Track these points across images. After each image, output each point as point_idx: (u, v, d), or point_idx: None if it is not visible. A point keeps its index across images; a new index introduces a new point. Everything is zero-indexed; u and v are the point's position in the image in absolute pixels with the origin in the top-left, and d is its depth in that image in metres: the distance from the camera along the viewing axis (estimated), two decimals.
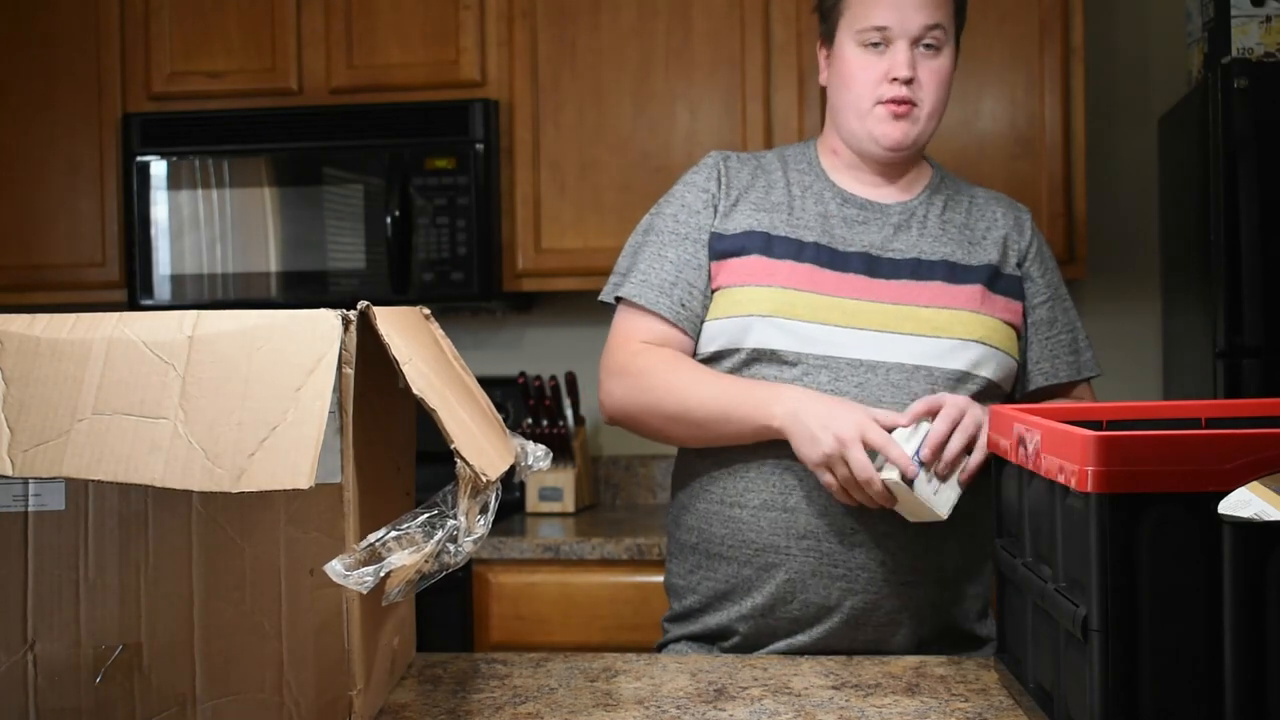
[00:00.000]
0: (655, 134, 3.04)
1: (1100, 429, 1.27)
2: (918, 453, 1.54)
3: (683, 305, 1.73)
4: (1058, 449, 1.16)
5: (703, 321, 1.73)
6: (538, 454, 1.40)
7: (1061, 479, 1.14)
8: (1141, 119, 3.27)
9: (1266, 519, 1.00)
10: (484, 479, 1.16)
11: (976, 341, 1.68)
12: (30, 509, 1.20)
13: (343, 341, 1.14)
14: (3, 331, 1.12)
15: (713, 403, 1.65)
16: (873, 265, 1.71)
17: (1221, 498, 1.04)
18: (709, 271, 1.74)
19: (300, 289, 3.08)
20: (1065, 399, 1.82)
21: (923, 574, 1.66)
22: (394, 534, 1.12)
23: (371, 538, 1.12)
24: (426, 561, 1.13)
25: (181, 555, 1.19)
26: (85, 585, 1.20)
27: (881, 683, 1.45)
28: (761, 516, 1.66)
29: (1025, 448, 1.28)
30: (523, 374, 3.17)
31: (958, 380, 1.66)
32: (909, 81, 1.69)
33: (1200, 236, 2.74)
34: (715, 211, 1.75)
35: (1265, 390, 2.55)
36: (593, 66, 3.06)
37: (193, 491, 1.15)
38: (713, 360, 1.72)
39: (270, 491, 1.06)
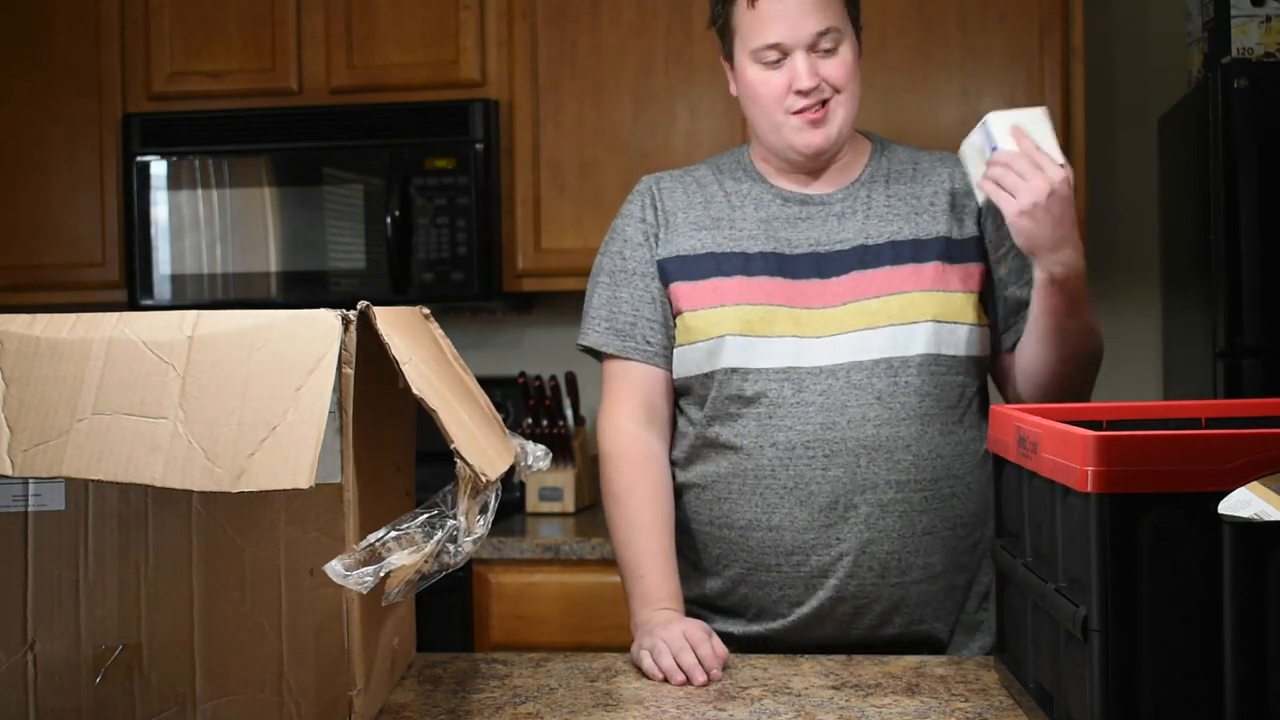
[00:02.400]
0: (655, 134, 3.04)
1: (1100, 429, 1.27)
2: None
3: (648, 343, 1.76)
4: (1058, 449, 1.16)
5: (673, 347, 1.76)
6: (537, 454, 1.41)
7: (1062, 479, 1.14)
8: (1141, 119, 3.26)
9: (1266, 519, 1.00)
10: (484, 479, 1.16)
11: (931, 321, 1.67)
12: (30, 509, 1.20)
13: (342, 341, 1.14)
14: (3, 331, 1.12)
15: (621, 564, 1.71)
16: (821, 264, 1.70)
17: (1221, 498, 1.04)
18: (667, 299, 1.76)
19: (300, 289, 3.08)
20: None
21: (908, 573, 1.67)
22: (394, 534, 1.12)
23: (371, 538, 1.12)
24: (426, 562, 1.13)
25: (181, 555, 1.19)
26: (85, 585, 1.20)
27: (881, 683, 1.45)
28: (749, 536, 1.68)
29: (1025, 447, 1.28)
30: (523, 374, 3.16)
31: (920, 365, 1.66)
32: (814, 89, 1.68)
33: (1200, 236, 2.74)
34: (656, 240, 1.77)
35: (1265, 390, 2.55)
36: (593, 66, 3.06)
37: (193, 491, 1.15)
38: (688, 386, 1.74)
39: (270, 491, 1.06)
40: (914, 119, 3.00)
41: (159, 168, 3.13)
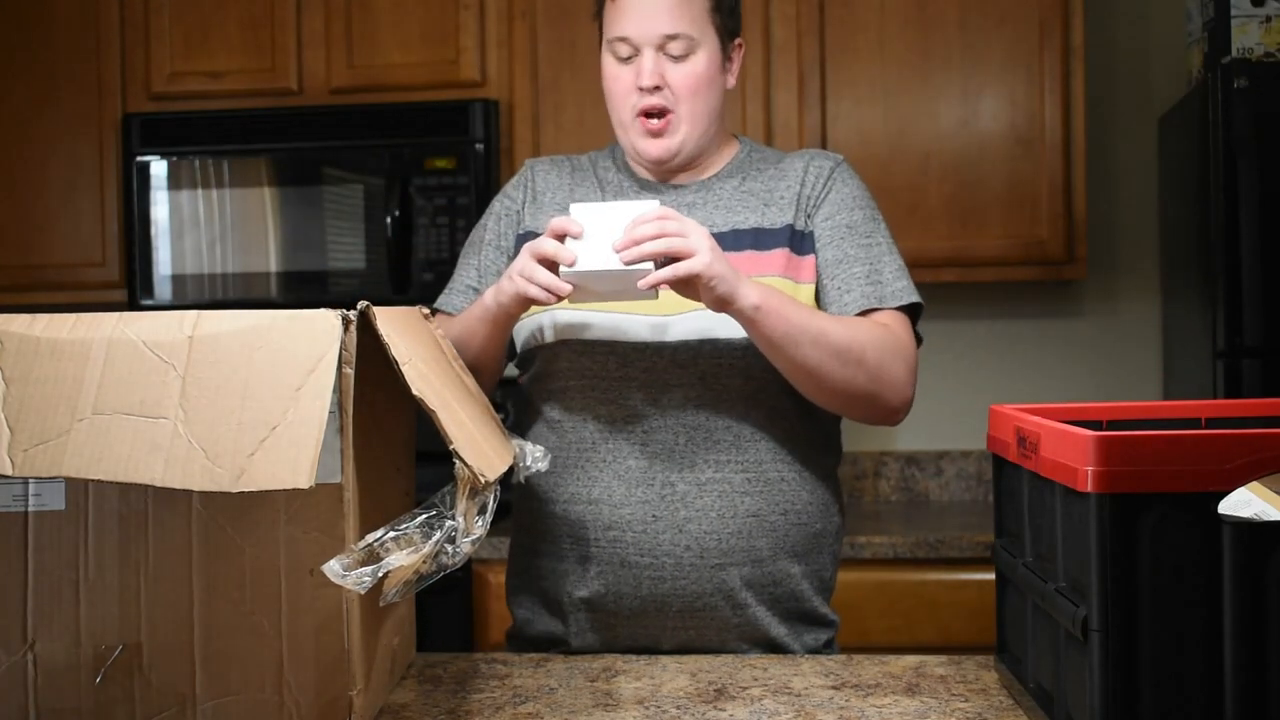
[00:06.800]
0: None
1: (1100, 429, 1.27)
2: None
3: None
4: (1058, 449, 1.16)
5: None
6: (536, 454, 1.41)
7: (1062, 479, 1.14)
8: (1141, 119, 3.27)
9: (1266, 519, 1.00)
10: (482, 480, 1.16)
11: None
12: (30, 509, 1.20)
13: (343, 341, 1.14)
14: (3, 331, 1.12)
15: (464, 324, 1.68)
16: None
17: (1221, 498, 1.04)
18: None
19: (300, 289, 3.08)
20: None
21: (730, 555, 1.66)
22: (392, 534, 1.12)
23: (370, 538, 1.12)
24: (424, 562, 1.13)
25: (181, 555, 1.19)
26: (85, 585, 1.20)
27: (881, 683, 1.45)
28: (570, 510, 1.69)
29: (1025, 447, 1.28)
30: None
31: (748, 348, 1.65)
32: (657, 89, 1.69)
33: (1200, 236, 2.74)
34: (519, 216, 1.81)
35: (1265, 390, 2.55)
36: (593, 66, 3.05)
37: (193, 491, 1.15)
38: (526, 356, 1.77)
39: (270, 491, 1.06)
40: (914, 119, 3.00)
41: (159, 168, 3.13)
